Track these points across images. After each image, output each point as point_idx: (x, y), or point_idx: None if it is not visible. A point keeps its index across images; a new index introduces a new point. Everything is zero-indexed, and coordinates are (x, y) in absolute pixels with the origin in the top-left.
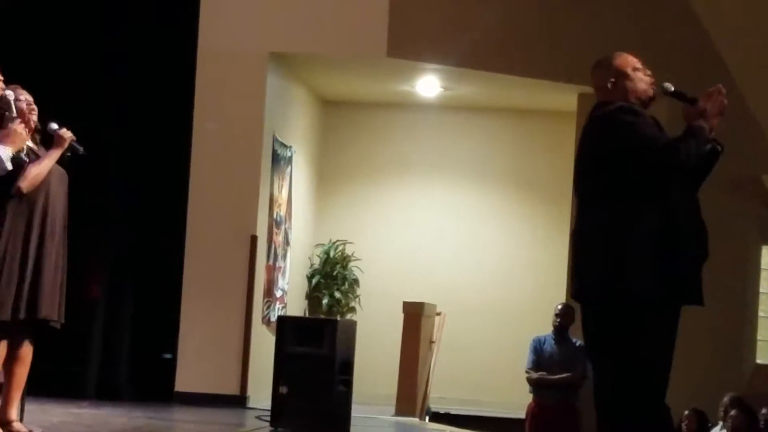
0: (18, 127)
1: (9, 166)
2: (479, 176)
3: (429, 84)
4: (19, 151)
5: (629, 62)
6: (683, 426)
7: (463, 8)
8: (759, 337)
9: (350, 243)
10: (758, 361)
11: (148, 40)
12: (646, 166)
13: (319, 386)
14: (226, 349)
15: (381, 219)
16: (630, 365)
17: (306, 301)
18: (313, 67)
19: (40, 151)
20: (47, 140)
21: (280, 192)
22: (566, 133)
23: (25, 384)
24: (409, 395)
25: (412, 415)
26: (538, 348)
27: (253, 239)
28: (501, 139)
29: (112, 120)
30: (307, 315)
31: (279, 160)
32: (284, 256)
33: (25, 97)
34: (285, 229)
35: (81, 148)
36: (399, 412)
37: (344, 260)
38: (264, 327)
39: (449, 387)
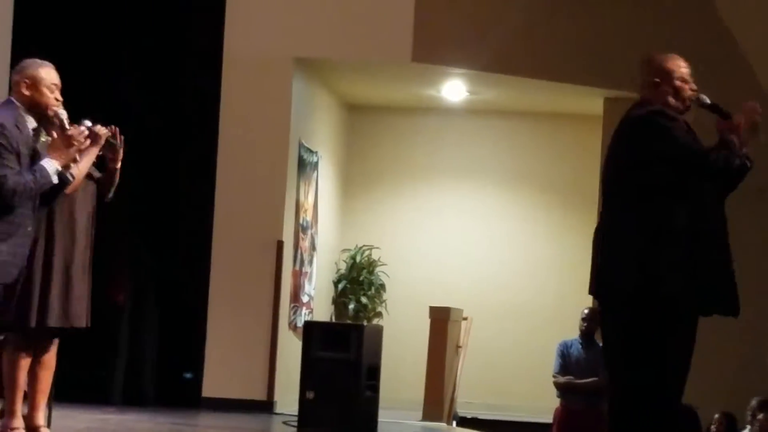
0: (66, 139)
1: (55, 180)
2: (505, 180)
3: (454, 88)
4: (65, 168)
5: (679, 70)
6: (713, 429)
7: (488, 12)
8: None
9: (376, 248)
10: None
11: (173, 46)
12: (676, 172)
13: (345, 391)
14: (252, 355)
15: (407, 224)
16: (653, 371)
17: (332, 307)
18: (339, 72)
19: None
20: None
21: (306, 197)
22: (592, 136)
23: (52, 390)
24: (436, 400)
25: (440, 420)
26: (565, 352)
27: (280, 245)
28: (527, 143)
29: (137, 126)
30: (333, 320)
31: (305, 166)
32: (310, 262)
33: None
34: (311, 234)
35: (117, 142)
36: (426, 417)
37: (370, 265)
38: (291, 332)
39: (476, 392)
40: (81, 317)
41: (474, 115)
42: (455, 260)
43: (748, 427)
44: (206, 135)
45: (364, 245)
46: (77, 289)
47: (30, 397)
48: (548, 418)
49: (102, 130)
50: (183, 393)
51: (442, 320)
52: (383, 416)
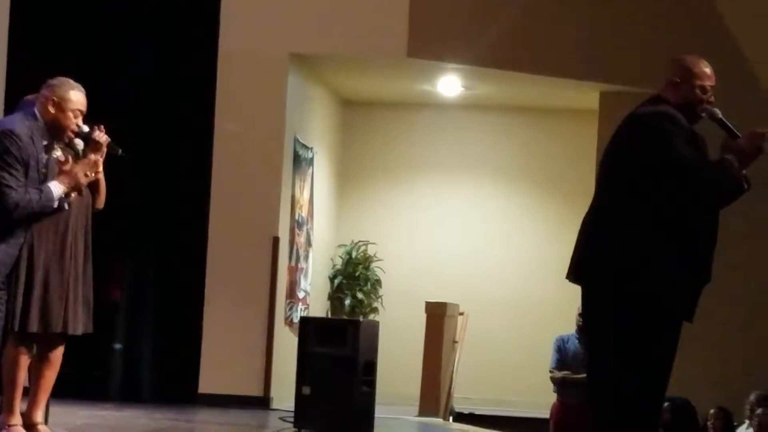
0: (80, 169)
1: (55, 205)
2: (500, 175)
3: (450, 83)
4: (68, 195)
5: (702, 78)
6: (709, 424)
7: (483, 7)
8: None
9: (372, 243)
10: None
11: (168, 42)
12: (665, 177)
13: (342, 387)
14: (249, 351)
15: (403, 219)
16: (639, 367)
17: (328, 302)
18: (334, 67)
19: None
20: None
21: (301, 193)
22: (588, 131)
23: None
24: (433, 395)
25: (436, 415)
26: (561, 347)
27: (275, 240)
28: (522, 138)
29: (132, 122)
30: (329, 316)
31: (300, 161)
32: (306, 257)
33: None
34: (307, 230)
35: (119, 150)
36: (422, 412)
37: (366, 261)
38: (287, 328)
39: (473, 387)
40: (87, 323)
41: (469, 110)
42: (451, 255)
43: (746, 421)
44: (201, 131)
45: (359, 241)
46: (71, 297)
47: (32, 394)
48: (545, 413)
49: (102, 137)
50: (180, 389)
51: (438, 315)
52: (379, 412)
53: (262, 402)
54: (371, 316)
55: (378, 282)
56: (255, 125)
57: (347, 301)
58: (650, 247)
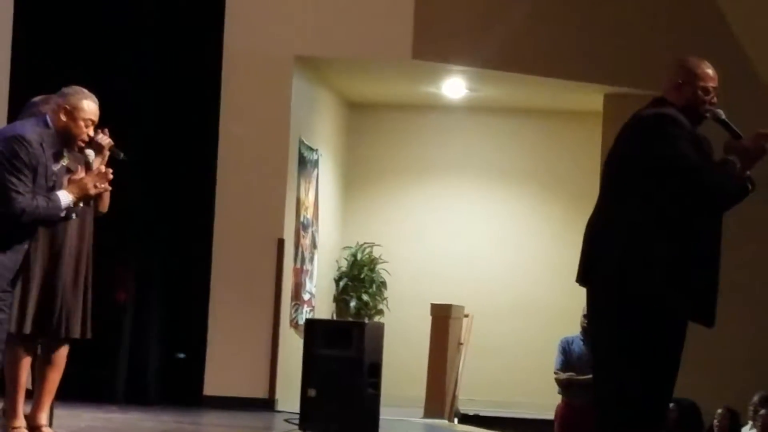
0: (90, 180)
1: (63, 214)
2: (506, 177)
3: (455, 86)
4: (75, 205)
5: (705, 80)
6: (716, 424)
7: (488, 10)
8: None
9: (377, 245)
10: None
11: (173, 44)
12: (667, 178)
13: (347, 389)
14: (254, 353)
15: (408, 221)
16: (643, 369)
17: (334, 304)
18: (339, 70)
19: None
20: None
21: (306, 195)
22: (593, 133)
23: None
24: (438, 397)
25: (441, 416)
26: (566, 349)
27: (280, 242)
28: (527, 140)
29: (137, 125)
30: (334, 318)
31: (305, 164)
32: (311, 259)
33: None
34: (312, 232)
35: (121, 154)
36: (428, 414)
37: (371, 263)
38: (292, 330)
39: (478, 389)
40: (73, 327)
41: (474, 112)
42: (456, 257)
43: (750, 422)
44: (207, 133)
45: (365, 243)
46: (69, 302)
47: (36, 396)
48: (550, 415)
49: (105, 140)
50: (186, 391)
51: (443, 317)
52: (385, 413)
53: (267, 404)
54: (376, 318)
55: (383, 284)
56: (260, 127)
57: (352, 303)
58: (653, 248)
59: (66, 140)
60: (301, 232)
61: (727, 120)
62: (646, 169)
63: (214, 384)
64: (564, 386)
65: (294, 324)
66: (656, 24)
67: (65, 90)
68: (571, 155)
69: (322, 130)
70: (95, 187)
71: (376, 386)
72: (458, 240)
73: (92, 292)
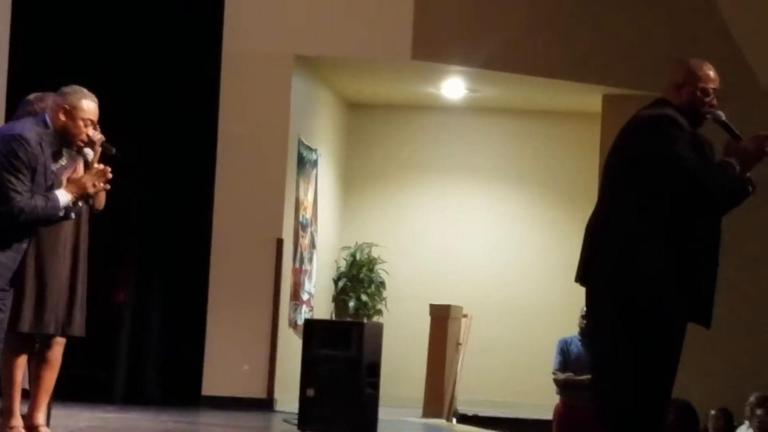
0: (89, 179)
1: (61, 214)
2: (505, 178)
3: (454, 86)
4: (74, 204)
5: (706, 81)
6: (709, 425)
7: (487, 10)
8: None
9: (376, 245)
10: None
11: (172, 44)
12: (669, 183)
13: (346, 389)
14: (253, 353)
15: (407, 221)
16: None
17: (332, 304)
18: (338, 70)
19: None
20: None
21: (305, 195)
22: (591, 134)
23: (53, 389)
24: (437, 397)
25: (440, 417)
26: (564, 349)
27: (279, 242)
28: (526, 141)
29: (136, 124)
30: (333, 318)
31: (304, 164)
32: (310, 259)
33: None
34: (311, 232)
35: (113, 149)
36: (426, 414)
37: (370, 263)
38: (291, 330)
39: (476, 389)
40: (69, 326)
41: (473, 113)
42: (455, 258)
43: (746, 422)
44: (206, 133)
45: (364, 243)
46: (65, 300)
47: (32, 396)
48: (548, 415)
49: (96, 135)
50: (184, 391)
51: (442, 317)
52: (383, 414)
53: (265, 404)
54: (375, 318)
55: (382, 284)
56: (259, 127)
57: (351, 303)
58: (652, 249)
59: (65, 140)
60: (300, 232)
61: (727, 121)
62: (645, 170)
63: (212, 384)
64: (562, 386)
65: (293, 324)
66: (655, 25)
67: (64, 89)
68: (570, 156)
69: (321, 130)
70: (94, 186)
71: (375, 386)
72: (457, 240)
73: (91, 292)
